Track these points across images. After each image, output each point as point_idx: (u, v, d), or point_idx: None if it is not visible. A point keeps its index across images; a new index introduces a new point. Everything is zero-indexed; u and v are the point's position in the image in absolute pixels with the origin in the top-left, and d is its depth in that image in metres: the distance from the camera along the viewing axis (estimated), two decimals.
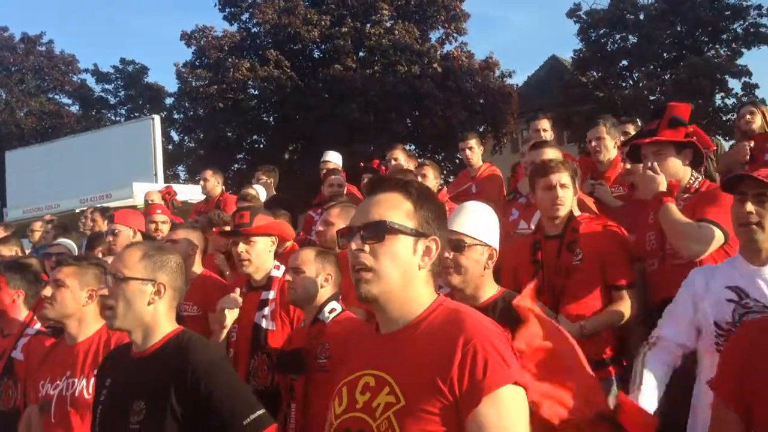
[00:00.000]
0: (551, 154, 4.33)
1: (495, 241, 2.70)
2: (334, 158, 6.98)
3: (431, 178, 5.41)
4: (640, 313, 3.40)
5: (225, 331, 3.39)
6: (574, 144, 20.22)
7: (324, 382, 2.82)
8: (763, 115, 5.56)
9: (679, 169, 3.36)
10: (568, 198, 3.40)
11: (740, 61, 23.61)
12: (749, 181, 2.46)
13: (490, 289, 2.69)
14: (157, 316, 2.24)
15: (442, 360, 1.54)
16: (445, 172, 18.85)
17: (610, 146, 4.94)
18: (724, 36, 23.59)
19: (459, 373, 1.51)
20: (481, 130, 22.40)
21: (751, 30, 23.35)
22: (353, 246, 1.63)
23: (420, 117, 22.62)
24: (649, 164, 3.26)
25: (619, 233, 3.48)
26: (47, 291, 2.89)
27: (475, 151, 6.31)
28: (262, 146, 24.10)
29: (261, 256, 3.49)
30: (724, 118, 22.22)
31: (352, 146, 18.86)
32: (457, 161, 18.97)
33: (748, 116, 5.52)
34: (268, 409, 2.20)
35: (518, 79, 25.60)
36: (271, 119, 24.19)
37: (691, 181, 3.37)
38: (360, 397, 1.64)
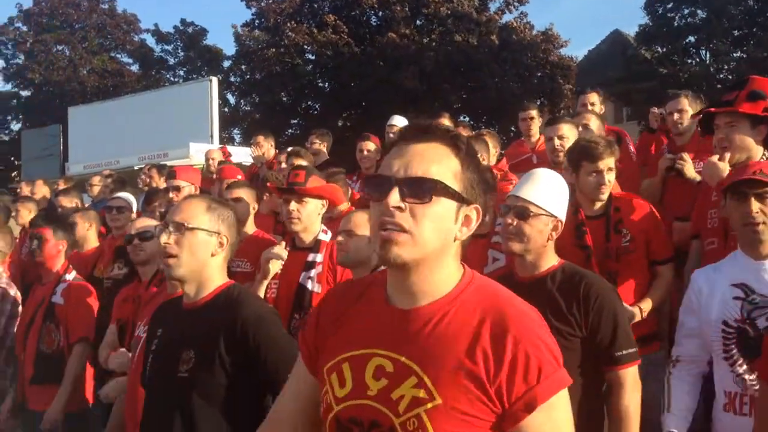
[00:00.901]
0: (566, 129, 4.26)
1: (562, 213, 2.62)
2: (400, 122, 6.86)
3: (490, 147, 5.34)
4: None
5: (265, 283, 3.41)
6: (634, 121, 19.71)
7: None
8: None
9: (751, 145, 3.22)
10: (613, 181, 3.39)
11: None
12: (750, 181, 2.49)
13: (551, 260, 2.62)
14: (213, 269, 2.29)
15: (489, 359, 1.34)
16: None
17: (689, 119, 4.79)
18: None
19: (509, 377, 1.32)
20: (537, 103, 22.03)
21: None
22: (390, 201, 1.36)
23: (474, 88, 22.32)
24: (716, 158, 3.24)
25: (653, 208, 3.49)
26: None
27: (535, 122, 6.19)
28: (316, 112, 24.17)
29: (311, 216, 3.49)
30: None
31: (406, 115, 18.73)
32: (512, 133, 18.67)
33: None
34: None
35: (579, 53, 24.96)
36: (327, 85, 24.23)
37: (762, 160, 3.22)
38: (372, 382, 1.40)
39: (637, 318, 3.16)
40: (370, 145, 6.17)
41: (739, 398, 2.46)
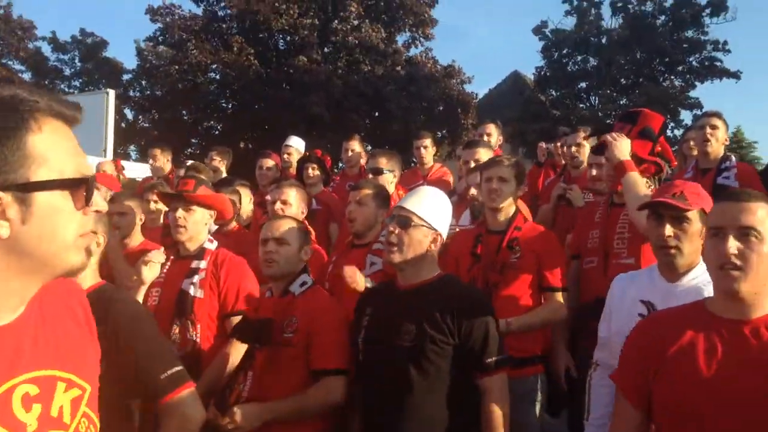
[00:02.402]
0: (483, 152, 4.48)
1: (442, 228, 2.73)
2: (295, 143, 6.93)
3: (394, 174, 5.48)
4: (569, 316, 3.49)
5: (143, 289, 3.34)
6: (529, 160, 20.52)
7: (286, 357, 2.83)
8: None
9: (625, 145, 3.36)
10: (505, 192, 3.47)
11: (693, 94, 24.43)
12: (667, 207, 2.50)
13: (430, 270, 2.71)
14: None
15: None
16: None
17: (586, 153, 5.11)
18: (680, 68, 24.33)
19: None
20: (439, 135, 22.62)
21: (706, 64, 24.17)
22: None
23: (380, 118, 22.69)
24: (613, 134, 3.36)
25: (556, 238, 3.60)
26: None
27: (428, 150, 6.39)
28: (217, 132, 23.80)
29: (197, 225, 3.44)
30: (673, 149, 22.85)
31: (310, 140, 18.75)
32: (413, 164, 19.00)
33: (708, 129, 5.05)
34: (188, 372, 2.20)
35: (480, 91, 25.83)
36: (230, 105, 23.94)
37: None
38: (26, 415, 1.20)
39: (502, 331, 3.17)
40: (269, 162, 6.19)
41: None
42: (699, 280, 2.50)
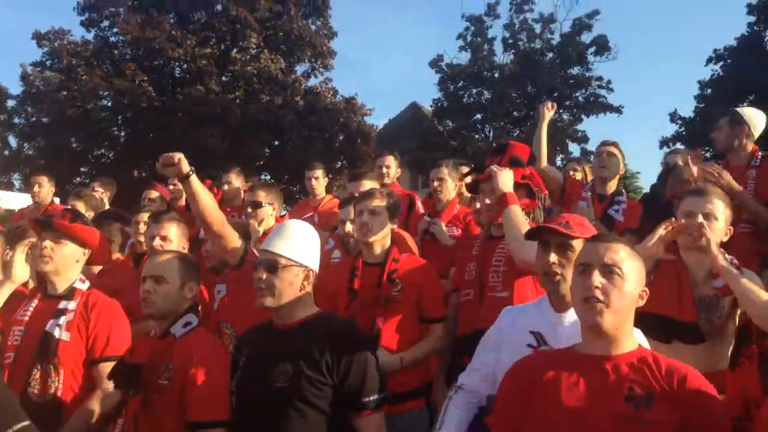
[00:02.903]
0: (369, 184, 4.49)
1: (313, 262, 2.68)
2: None
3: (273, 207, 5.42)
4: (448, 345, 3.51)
5: (9, 288, 3.15)
6: (427, 188, 20.88)
7: (161, 405, 2.67)
8: (584, 171, 5.99)
9: (508, 178, 3.42)
10: (377, 224, 3.43)
11: (579, 127, 25.72)
12: (554, 233, 2.52)
13: (306, 309, 2.66)
14: None
15: None
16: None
17: (450, 187, 5.19)
18: (567, 102, 25.55)
19: None
20: (338, 166, 22.68)
21: (591, 99, 25.54)
22: None
23: (279, 148, 22.54)
24: (496, 167, 3.39)
25: (433, 269, 3.60)
26: None
27: (319, 182, 6.39)
28: (109, 161, 22.94)
29: (65, 260, 3.25)
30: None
31: (207, 171, 18.37)
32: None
33: (571, 172, 5.78)
34: (46, 422, 2.06)
35: (380, 122, 26.23)
36: (123, 134, 23.16)
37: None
38: None
39: (396, 367, 3.20)
40: (153, 194, 6.01)
41: None
42: None
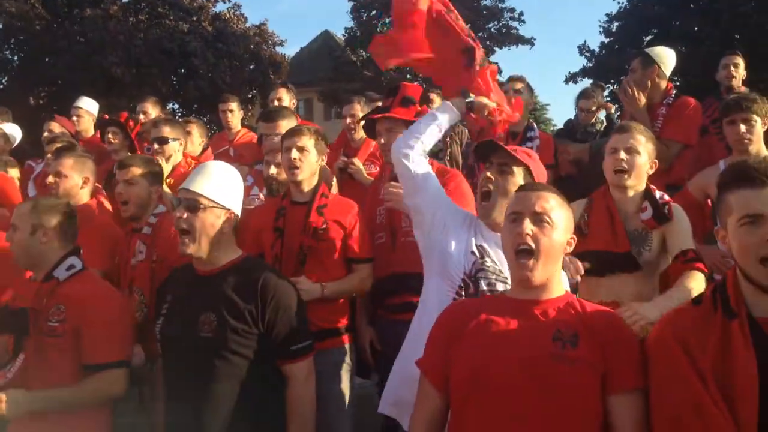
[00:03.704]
0: (285, 124, 4.32)
1: (235, 205, 2.61)
2: (86, 105, 6.35)
3: (196, 136, 5.24)
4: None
5: None
6: (340, 119, 20.71)
7: (52, 348, 2.61)
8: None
9: None
10: (306, 162, 3.36)
11: (492, 59, 25.90)
12: (499, 152, 2.58)
13: (229, 253, 2.60)
14: None
15: None
16: (209, 134, 18.29)
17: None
18: (480, 34, 25.60)
19: None
20: (249, 96, 22.08)
21: (503, 30, 25.66)
22: None
23: (186, 76, 21.62)
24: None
25: (360, 210, 3.54)
26: None
27: (234, 114, 6.19)
28: (2, 86, 21.48)
29: None
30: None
31: (110, 99, 17.51)
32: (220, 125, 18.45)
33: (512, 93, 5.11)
34: None
35: (291, 51, 25.56)
36: (16, 58, 21.65)
37: None
38: None
39: (316, 295, 3.16)
40: (54, 126, 5.70)
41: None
42: None
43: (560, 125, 5.66)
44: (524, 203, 2.08)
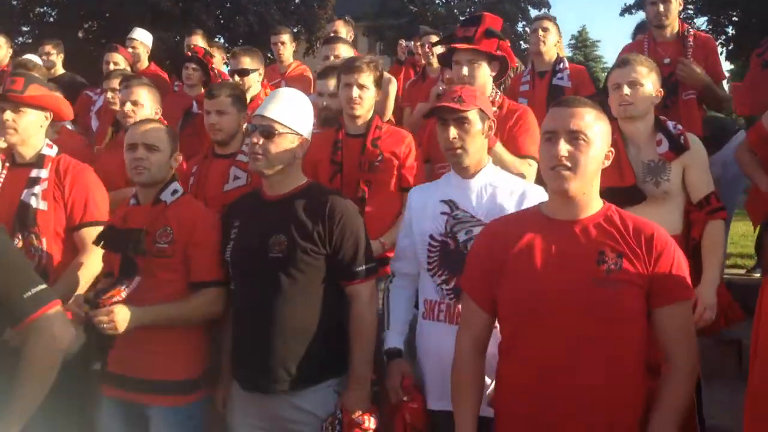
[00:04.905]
0: (343, 48, 4.39)
1: (306, 130, 2.67)
2: (140, 36, 6.39)
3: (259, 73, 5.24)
4: None
5: None
6: (386, 56, 20.49)
7: (161, 268, 2.71)
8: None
9: (488, 79, 3.45)
10: (366, 99, 3.39)
11: None
12: (448, 108, 2.62)
13: (297, 179, 2.67)
14: None
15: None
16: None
17: None
18: None
19: None
20: (295, 30, 21.88)
21: None
22: None
23: (231, 11, 21.50)
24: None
25: (414, 140, 3.59)
26: None
27: (286, 47, 6.18)
28: (52, 20, 21.65)
29: (29, 128, 3.14)
30: (522, 46, 23.65)
31: (156, 33, 17.53)
32: (269, 59, 18.41)
33: (540, 32, 5.21)
34: None
35: None
36: None
37: (493, 95, 3.47)
38: None
39: (379, 251, 3.21)
40: (117, 58, 5.68)
41: (437, 306, 2.65)
42: (491, 179, 2.68)
43: (611, 63, 5.44)
44: (559, 121, 2.05)
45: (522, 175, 3.11)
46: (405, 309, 2.79)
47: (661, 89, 3.28)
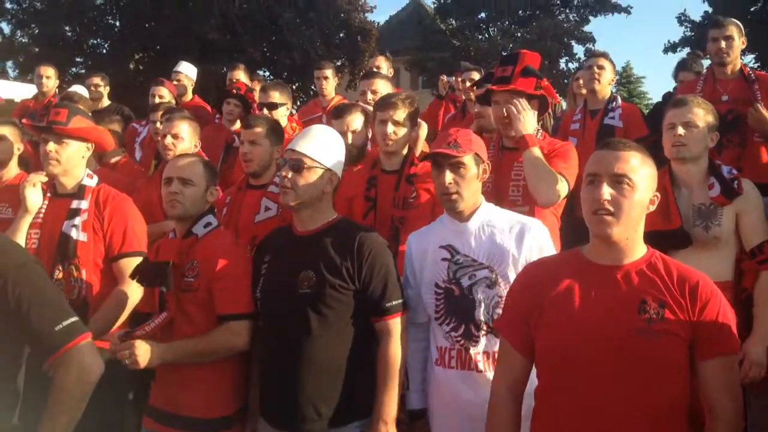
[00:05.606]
0: (381, 84, 4.41)
1: (337, 166, 2.69)
2: (185, 70, 6.59)
3: (287, 107, 5.33)
4: None
5: (28, 218, 3.17)
6: (428, 89, 20.60)
7: (189, 302, 2.73)
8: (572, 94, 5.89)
9: (530, 119, 3.38)
10: (400, 135, 3.40)
11: (586, 28, 25.07)
12: (445, 156, 2.61)
13: (327, 214, 2.68)
14: None
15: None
16: (298, 102, 18.60)
17: None
18: (574, 1, 24.81)
19: None
20: (338, 64, 22.21)
21: None
22: None
23: (277, 45, 21.95)
24: (518, 106, 3.28)
25: None
26: None
27: (329, 81, 6.27)
28: (104, 51, 22.37)
29: (72, 159, 3.22)
30: (566, 82, 23.53)
31: (204, 64, 17.98)
32: (312, 92, 18.70)
33: (595, 69, 5.20)
34: None
35: (380, 18, 25.48)
36: (118, 23, 22.47)
37: (534, 132, 3.41)
38: None
39: None
40: (163, 91, 5.87)
41: (447, 353, 2.64)
42: (487, 218, 2.67)
43: (657, 98, 5.44)
44: (603, 164, 1.99)
45: (553, 175, 3.10)
46: (421, 364, 2.77)
47: (717, 132, 3.21)
